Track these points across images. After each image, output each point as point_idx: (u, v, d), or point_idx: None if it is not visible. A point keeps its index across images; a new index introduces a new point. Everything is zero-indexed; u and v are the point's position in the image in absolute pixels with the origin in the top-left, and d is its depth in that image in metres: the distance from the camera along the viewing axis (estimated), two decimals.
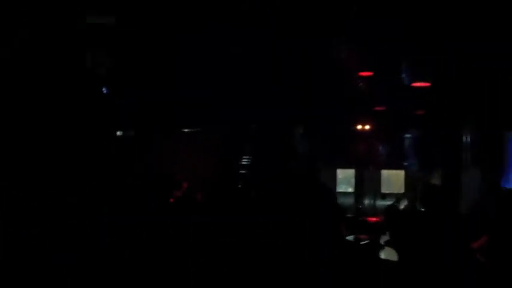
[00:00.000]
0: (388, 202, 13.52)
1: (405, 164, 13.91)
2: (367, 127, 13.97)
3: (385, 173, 13.91)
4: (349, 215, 11.78)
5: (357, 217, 12.15)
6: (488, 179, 10.50)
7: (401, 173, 13.78)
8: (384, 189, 13.95)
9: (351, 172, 14.08)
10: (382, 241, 5.80)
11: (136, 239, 4.14)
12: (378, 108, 12.69)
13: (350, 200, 13.85)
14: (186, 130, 13.37)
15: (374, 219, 10.72)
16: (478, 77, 9.53)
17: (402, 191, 13.56)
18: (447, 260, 4.38)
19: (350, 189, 13.95)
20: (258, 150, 13.57)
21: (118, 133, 11.74)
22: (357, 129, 14.11)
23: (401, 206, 10.11)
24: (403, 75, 10.00)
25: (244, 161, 13.99)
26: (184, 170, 10.58)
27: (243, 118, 12.58)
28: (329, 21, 8.21)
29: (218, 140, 12.93)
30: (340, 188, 13.91)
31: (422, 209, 5.83)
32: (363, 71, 10.15)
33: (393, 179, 13.90)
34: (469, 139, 11.86)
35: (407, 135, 13.79)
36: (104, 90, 10.33)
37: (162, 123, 12.02)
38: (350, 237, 6.43)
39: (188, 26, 8.81)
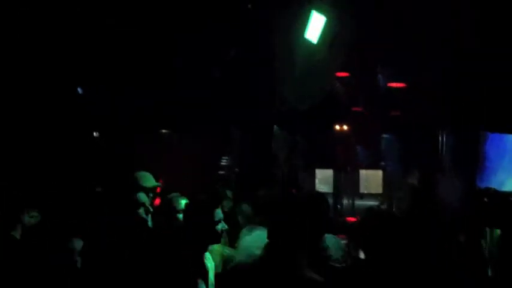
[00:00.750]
0: (367, 202, 13.60)
1: (383, 164, 13.99)
2: (345, 128, 14.02)
3: (363, 173, 13.96)
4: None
5: (336, 217, 12.20)
6: (465, 179, 10.58)
7: (379, 173, 13.85)
8: (362, 189, 14.00)
9: (329, 172, 14.12)
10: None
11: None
12: (355, 109, 12.75)
13: (329, 200, 13.88)
14: (163, 131, 13.33)
15: (353, 219, 10.77)
16: (455, 77, 9.59)
17: (380, 191, 13.63)
18: (426, 260, 4.41)
19: (328, 190, 13.98)
20: (239, 151, 13.58)
21: (95, 134, 11.70)
22: (335, 129, 14.16)
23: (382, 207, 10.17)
24: (379, 76, 10.05)
25: (224, 162, 13.99)
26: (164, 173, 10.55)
27: (223, 119, 12.57)
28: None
29: (198, 141, 12.91)
30: (319, 188, 13.93)
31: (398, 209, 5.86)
32: (339, 71, 10.19)
33: (371, 179, 13.95)
34: (445, 139, 11.95)
35: (385, 136, 13.87)
36: (79, 90, 10.29)
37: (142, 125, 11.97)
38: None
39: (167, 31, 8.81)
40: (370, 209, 5.55)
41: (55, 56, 8.29)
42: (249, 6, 8.82)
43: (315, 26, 7.61)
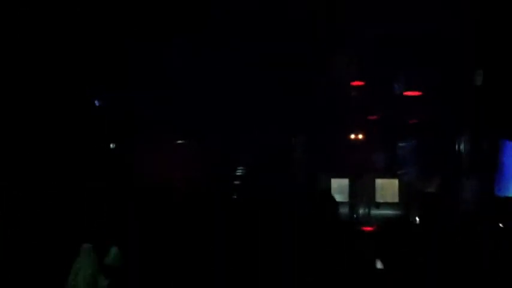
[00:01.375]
0: (383, 211, 13.52)
1: (399, 172, 13.91)
2: (360, 136, 13.96)
3: (379, 182, 13.87)
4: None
5: (352, 226, 12.11)
6: (484, 188, 10.51)
7: (395, 182, 13.76)
8: (378, 198, 13.91)
9: (345, 182, 14.04)
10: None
11: None
12: (371, 117, 12.71)
13: (345, 210, 13.81)
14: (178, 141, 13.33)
15: (369, 228, 10.69)
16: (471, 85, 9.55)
17: (396, 200, 13.53)
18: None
19: (344, 199, 13.91)
20: (254, 161, 13.55)
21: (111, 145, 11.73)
22: (350, 138, 14.10)
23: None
24: (395, 85, 10.01)
25: (239, 172, 13.95)
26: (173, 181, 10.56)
27: (236, 127, 12.55)
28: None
29: (212, 150, 12.89)
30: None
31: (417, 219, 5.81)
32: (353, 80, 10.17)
33: (387, 188, 13.87)
34: (462, 147, 11.87)
35: (401, 144, 13.80)
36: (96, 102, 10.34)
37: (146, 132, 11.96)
38: None
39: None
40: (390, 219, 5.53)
41: (55, 56, 8.32)
42: None
43: None
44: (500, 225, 5.59)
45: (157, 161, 11.66)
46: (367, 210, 13.95)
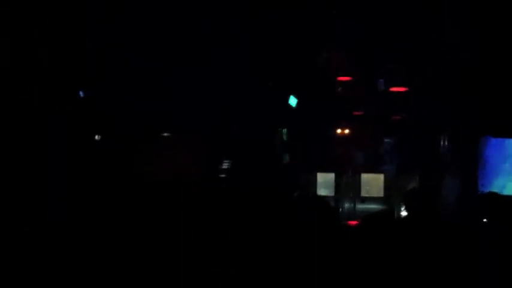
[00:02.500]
0: (368, 206, 13.62)
1: (384, 167, 14.03)
2: (346, 131, 14.06)
3: (364, 176, 13.99)
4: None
5: (337, 221, 12.18)
6: (466, 183, 10.62)
7: (380, 177, 13.87)
8: (364, 193, 14.03)
9: (330, 176, 14.14)
10: None
11: None
12: (356, 113, 12.79)
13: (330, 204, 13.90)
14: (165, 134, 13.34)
15: (354, 222, 10.78)
16: (457, 81, 9.64)
17: (381, 194, 13.65)
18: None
19: (330, 193, 14.00)
20: (240, 154, 13.59)
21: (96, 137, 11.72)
22: (336, 133, 14.20)
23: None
24: (380, 80, 10.09)
25: (225, 165, 13.99)
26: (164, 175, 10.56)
27: (226, 121, 12.58)
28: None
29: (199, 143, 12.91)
30: (320, 192, 13.95)
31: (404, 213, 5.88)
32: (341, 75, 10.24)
33: (372, 183, 13.99)
34: (446, 143, 11.98)
35: (387, 140, 13.92)
36: (81, 93, 10.32)
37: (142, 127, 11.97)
38: None
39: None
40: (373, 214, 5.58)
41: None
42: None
43: None
44: (484, 220, 5.67)
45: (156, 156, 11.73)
46: (352, 204, 14.07)
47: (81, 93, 10.20)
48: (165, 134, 13.11)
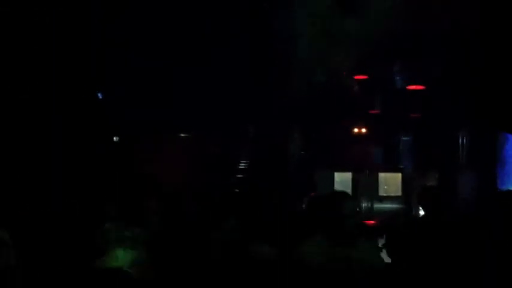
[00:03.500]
0: (386, 205, 13.55)
1: (402, 166, 13.94)
2: (363, 130, 13.99)
3: (382, 176, 13.92)
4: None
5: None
6: (485, 181, 10.53)
7: (398, 176, 13.80)
8: (382, 192, 13.96)
9: (348, 175, 14.09)
10: (380, 244, 5.81)
11: None
12: (373, 112, 12.73)
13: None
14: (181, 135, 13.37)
15: (372, 222, 10.73)
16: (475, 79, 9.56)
17: (399, 193, 13.57)
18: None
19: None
20: (256, 155, 13.59)
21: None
22: (353, 132, 14.14)
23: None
24: (397, 78, 10.03)
25: (242, 165, 14.00)
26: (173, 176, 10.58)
27: (240, 121, 12.58)
28: None
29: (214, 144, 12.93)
30: None
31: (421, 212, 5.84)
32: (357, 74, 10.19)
33: (390, 182, 13.92)
34: (465, 141, 11.89)
35: (404, 138, 13.83)
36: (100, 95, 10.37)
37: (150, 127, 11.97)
38: None
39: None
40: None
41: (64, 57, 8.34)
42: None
43: None
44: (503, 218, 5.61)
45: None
46: (369, 204, 14.00)
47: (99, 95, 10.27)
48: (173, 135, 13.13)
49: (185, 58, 9.56)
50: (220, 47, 9.37)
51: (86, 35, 8.12)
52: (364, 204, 14.08)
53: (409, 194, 13.13)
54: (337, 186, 13.94)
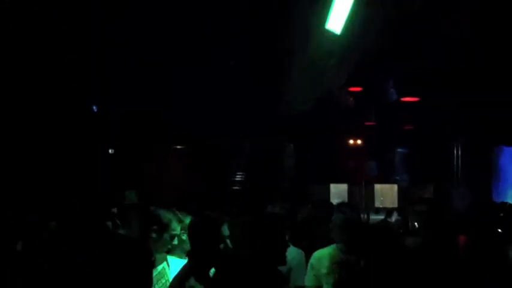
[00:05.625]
0: (382, 217, 13.49)
1: (398, 178, 13.91)
2: (359, 142, 13.98)
3: (378, 187, 13.88)
4: None
5: None
6: (480, 193, 10.50)
7: (394, 187, 13.76)
8: (378, 204, 13.91)
9: (343, 187, 14.06)
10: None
11: None
12: (368, 123, 12.71)
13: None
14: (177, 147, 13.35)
15: None
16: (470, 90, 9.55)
17: (395, 205, 13.52)
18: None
19: None
20: (252, 167, 13.56)
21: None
22: (349, 144, 14.12)
23: (393, 220, 10.07)
24: (392, 90, 10.02)
25: (238, 177, 13.97)
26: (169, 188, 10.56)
27: (234, 133, 12.56)
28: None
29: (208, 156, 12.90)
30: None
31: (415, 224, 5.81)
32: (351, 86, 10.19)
33: (386, 193, 13.88)
34: (460, 152, 11.88)
35: (400, 150, 13.81)
36: (95, 108, 10.36)
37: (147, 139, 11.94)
38: None
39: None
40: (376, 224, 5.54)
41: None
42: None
43: (338, 13, 6.58)
44: (499, 230, 5.60)
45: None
46: (365, 215, 13.95)
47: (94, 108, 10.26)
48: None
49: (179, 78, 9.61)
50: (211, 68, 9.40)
51: (85, 38, 8.10)
52: (360, 216, 14.02)
53: (406, 205, 13.09)
54: (333, 198, 13.90)
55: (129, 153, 11.75)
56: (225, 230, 4.07)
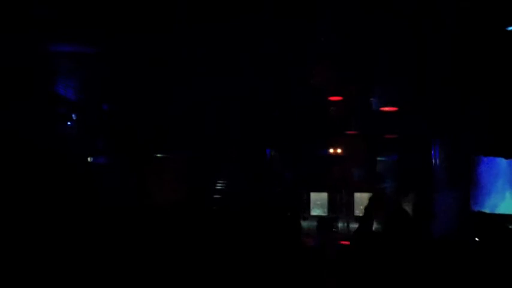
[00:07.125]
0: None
1: (378, 186, 13.98)
2: (339, 151, 14.05)
3: (358, 195, 13.94)
4: None
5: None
6: (459, 201, 10.60)
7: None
8: (357, 212, 13.96)
9: (323, 195, 14.11)
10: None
11: None
12: (349, 132, 12.79)
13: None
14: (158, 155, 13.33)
15: (347, 242, 10.73)
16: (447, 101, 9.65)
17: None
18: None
19: (323, 213, 13.96)
20: (233, 174, 13.57)
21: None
22: (329, 153, 14.19)
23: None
24: (372, 100, 10.11)
25: (219, 186, 13.96)
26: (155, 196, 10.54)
27: (217, 140, 12.57)
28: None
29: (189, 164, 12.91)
30: (314, 212, 13.92)
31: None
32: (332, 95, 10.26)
33: (366, 202, 13.92)
34: (439, 162, 11.98)
35: (380, 158, 13.90)
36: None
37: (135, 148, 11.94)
38: None
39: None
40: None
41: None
42: None
43: None
44: (476, 239, 5.68)
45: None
46: (345, 224, 14.00)
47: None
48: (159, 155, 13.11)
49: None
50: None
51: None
52: (340, 224, 14.08)
53: (383, 213, 13.16)
54: (313, 206, 13.94)
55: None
56: None
